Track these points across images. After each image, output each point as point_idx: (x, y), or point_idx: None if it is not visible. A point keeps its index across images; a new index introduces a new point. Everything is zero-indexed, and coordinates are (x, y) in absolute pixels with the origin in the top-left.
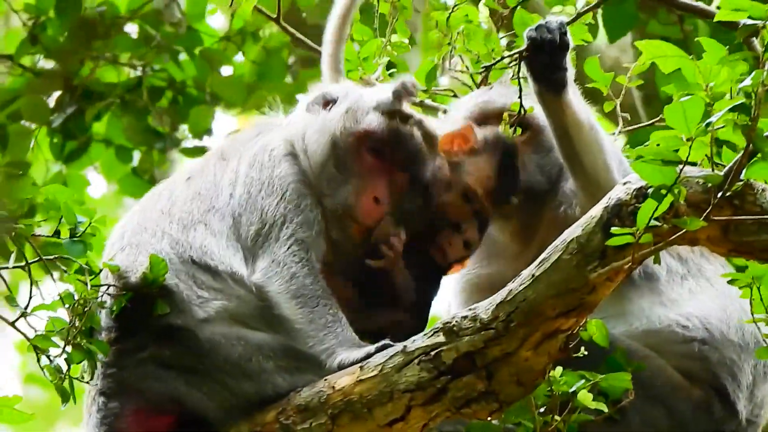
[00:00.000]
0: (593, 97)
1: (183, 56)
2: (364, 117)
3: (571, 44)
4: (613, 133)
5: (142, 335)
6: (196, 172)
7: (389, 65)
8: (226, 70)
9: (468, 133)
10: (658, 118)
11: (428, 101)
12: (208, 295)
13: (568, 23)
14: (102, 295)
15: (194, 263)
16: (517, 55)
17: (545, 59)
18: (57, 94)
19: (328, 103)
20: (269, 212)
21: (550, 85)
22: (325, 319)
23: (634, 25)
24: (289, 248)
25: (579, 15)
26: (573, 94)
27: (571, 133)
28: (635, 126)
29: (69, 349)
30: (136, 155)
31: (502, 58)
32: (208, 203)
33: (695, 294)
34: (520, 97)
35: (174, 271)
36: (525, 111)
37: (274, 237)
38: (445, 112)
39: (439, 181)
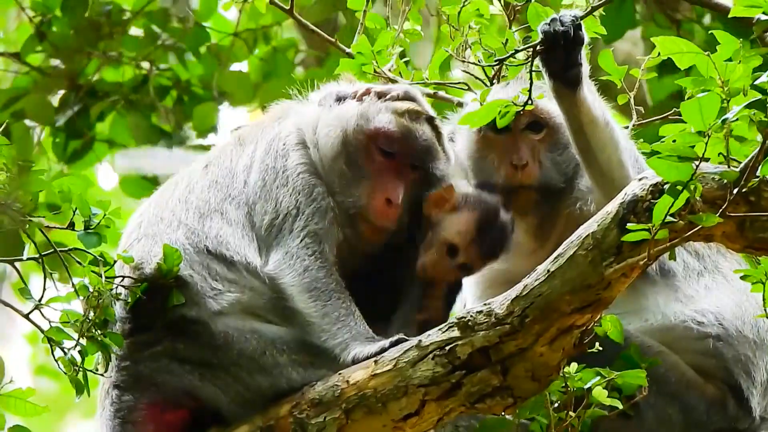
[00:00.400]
0: (605, 90)
1: (189, 56)
2: (376, 116)
3: (586, 39)
4: (626, 127)
5: (157, 328)
6: (214, 158)
7: (402, 54)
8: (234, 68)
9: (449, 193)
10: (671, 111)
11: (442, 93)
12: (222, 287)
13: (582, 17)
14: (117, 287)
15: (209, 253)
16: (531, 50)
17: (560, 55)
18: (61, 92)
19: (340, 99)
20: (283, 203)
21: (566, 81)
22: (338, 313)
23: (632, 28)
24: (302, 241)
25: (593, 9)
26: (588, 91)
27: (587, 130)
28: (649, 120)
29: (83, 341)
30: None
31: (516, 51)
32: (224, 191)
33: (711, 290)
34: (530, 90)
35: (188, 262)
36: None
37: (288, 228)
38: (459, 105)
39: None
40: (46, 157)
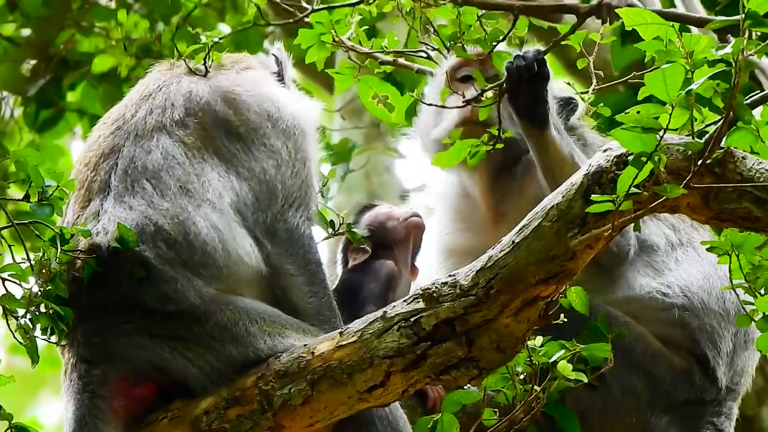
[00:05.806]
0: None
1: (161, 26)
2: None
3: (552, 76)
4: (586, 91)
5: (131, 310)
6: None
7: (365, 23)
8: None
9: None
10: (630, 75)
11: (401, 60)
12: (202, 283)
13: (545, 52)
14: (73, 260)
15: (189, 244)
16: (498, 90)
17: (526, 91)
18: (32, 62)
19: None
20: (281, 189)
21: (534, 120)
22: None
23: None
24: (303, 225)
25: (555, 43)
26: (555, 129)
27: (555, 169)
28: (608, 83)
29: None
30: None
31: (483, 91)
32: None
33: (680, 263)
34: (499, 130)
35: (166, 260)
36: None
37: (289, 214)
38: (417, 72)
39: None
40: (17, 127)
